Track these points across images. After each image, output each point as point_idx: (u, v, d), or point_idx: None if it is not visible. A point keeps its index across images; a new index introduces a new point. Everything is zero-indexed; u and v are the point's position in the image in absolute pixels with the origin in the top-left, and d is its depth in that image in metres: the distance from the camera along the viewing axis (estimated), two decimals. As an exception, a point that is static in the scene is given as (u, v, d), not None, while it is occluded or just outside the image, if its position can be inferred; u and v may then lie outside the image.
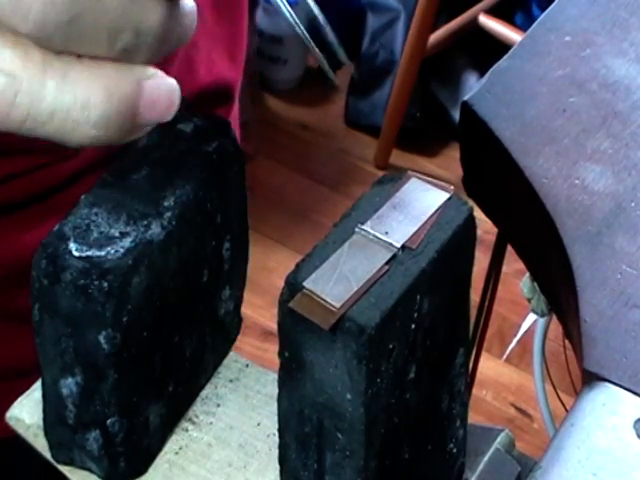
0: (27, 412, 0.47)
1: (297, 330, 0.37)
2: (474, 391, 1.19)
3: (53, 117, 0.32)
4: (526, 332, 1.56)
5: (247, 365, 0.50)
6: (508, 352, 1.75)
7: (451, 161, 2.07)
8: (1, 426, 0.48)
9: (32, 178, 0.58)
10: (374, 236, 0.39)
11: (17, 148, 0.56)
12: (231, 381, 0.50)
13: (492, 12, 1.95)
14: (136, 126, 0.34)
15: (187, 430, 0.47)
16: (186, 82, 0.45)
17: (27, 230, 0.59)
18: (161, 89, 0.34)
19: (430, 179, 0.41)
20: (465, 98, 0.56)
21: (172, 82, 0.35)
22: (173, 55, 0.60)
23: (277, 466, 0.42)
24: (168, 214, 0.41)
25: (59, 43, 0.31)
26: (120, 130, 0.33)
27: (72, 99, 0.32)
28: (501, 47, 1.27)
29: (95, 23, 0.31)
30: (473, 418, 0.46)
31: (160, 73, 0.34)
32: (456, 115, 1.89)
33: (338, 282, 0.37)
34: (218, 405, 0.48)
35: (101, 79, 0.32)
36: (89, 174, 0.61)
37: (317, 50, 0.41)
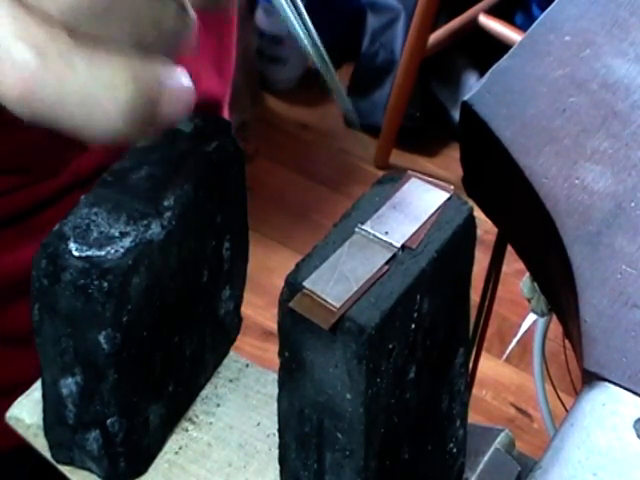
0: (27, 412, 0.47)
1: (297, 330, 0.37)
2: (474, 391, 1.19)
3: (81, 102, 0.32)
4: (526, 332, 1.56)
5: (247, 365, 0.50)
6: (508, 352, 1.75)
7: (451, 161, 2.07)
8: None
9: (13, 198, 0.58)
10: (374, 236, 0.39)
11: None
12: (231, 381, 0.50)
13: (492, 12, 1.95)
14: (156, 121, 0.34)
15: (187, 430, 0.47)
16: None
17: (9, 251, 0.59)
18: (181, 85, 0.34)
19: (430, 179, 0.41)
20: (465, 98, 0.56)
21: (188, 79, 0.35)
22: None
23: (277, 466, 0.42)
24: (168, 214, 0.41)
25: (86, 29, 0.31)
26: (142, 122, 0.33)
27: (100, 83, 0.32)
28: (501, 47, 1.27)
29: (122, 13, 0.32)
30: (473, 418, 0.46)
31: (177, 69, 0.34)
32: (456, 115, 1.88)
33: (338, 282, 0.37)
34: (218, 405, 0.48)
35: (127, 65, 0.32)
36: (70, 194, 0.61)
37: (338, 84, 0.40)
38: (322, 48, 0.44)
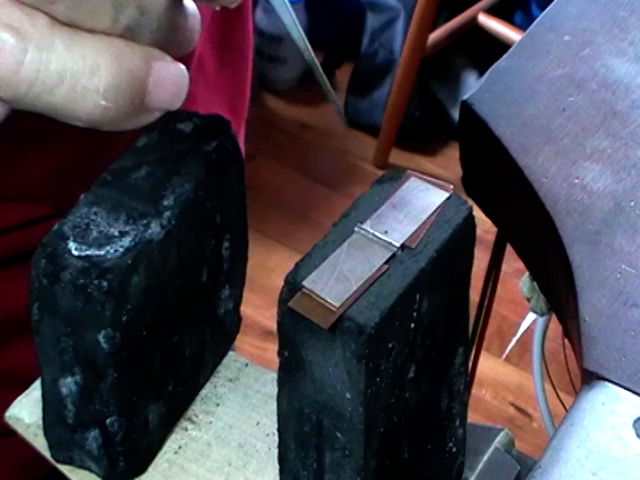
0: (26, 411, 0.47)
1: (297, 329, 0.37)
2: (473, 390, 1.19)
3: (62, 81, 0.31)
4: (525, 331, 1.56)
5: (246, 364, 0.50)
6: (507, 351, 1.75)
7: (450, 160, 2.07)
8: None
9: (26, 233, 0.57)
10: (373, 235, 0.39)
11: (12, 195, 0.55)
12: (230, 380, 0.50)
13: (491, 11, 1.95)
14: (145, 107, 0.33)
15: (186, 429, 0.47)
16: None
17: (16, 286, 0.59)
18: (170, 71, 0.34)
19: (429, 178, 0.41)
20: (464, 97, 0.56)
21: (182, 67, 0.34)
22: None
23: (276, 465, 0.42)
24: (167, 213, 0.41)
25: (64, 12, 0.31)
26: (129, 106, 0.33)
27: (81, 62, 0.31)
28: (500, 46, 1.27)
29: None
30: (472, 417, 0.46)
31: (169, 57, 0.34)
32: (455, 114, 1.88)
33: (337, 281, 0.37)
34: (217, 404, 0.48)
35: (110, 48, 0.32)
36: None
37: (323, 76, 0.40)
38: (311, 49, 0.44)
